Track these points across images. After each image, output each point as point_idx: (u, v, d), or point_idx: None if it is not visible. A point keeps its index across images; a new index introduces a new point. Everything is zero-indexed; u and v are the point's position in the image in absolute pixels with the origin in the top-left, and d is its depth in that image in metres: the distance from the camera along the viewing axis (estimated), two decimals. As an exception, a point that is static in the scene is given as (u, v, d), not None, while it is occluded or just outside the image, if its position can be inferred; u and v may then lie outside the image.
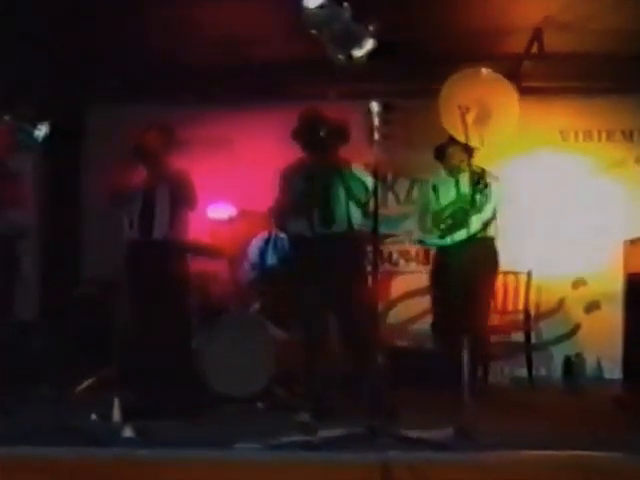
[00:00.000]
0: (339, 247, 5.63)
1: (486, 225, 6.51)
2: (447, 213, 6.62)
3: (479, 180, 6.30)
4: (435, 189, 6.84)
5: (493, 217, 6.60)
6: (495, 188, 6.51)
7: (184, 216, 6.20)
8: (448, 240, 6.58)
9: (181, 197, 6.12)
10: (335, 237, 5.68)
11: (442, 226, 6.63)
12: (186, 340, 6.19)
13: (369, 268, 5.76)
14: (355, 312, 5.56)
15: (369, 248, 5.74)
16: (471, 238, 6.31)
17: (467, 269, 5.98)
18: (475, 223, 6.40)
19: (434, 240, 6.78)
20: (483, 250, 6.44)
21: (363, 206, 5.66)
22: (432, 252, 7.18)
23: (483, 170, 6.39)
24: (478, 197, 6.34)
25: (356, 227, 5.69)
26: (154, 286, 5.93)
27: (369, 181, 5.51)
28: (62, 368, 6.79)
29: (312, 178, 5.72)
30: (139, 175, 6.15)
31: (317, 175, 5.71)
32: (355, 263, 5.67)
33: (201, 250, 6.80)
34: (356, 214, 5.69)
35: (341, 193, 5.70)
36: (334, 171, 5.68)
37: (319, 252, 5.62)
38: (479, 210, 6.37)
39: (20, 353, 6.17)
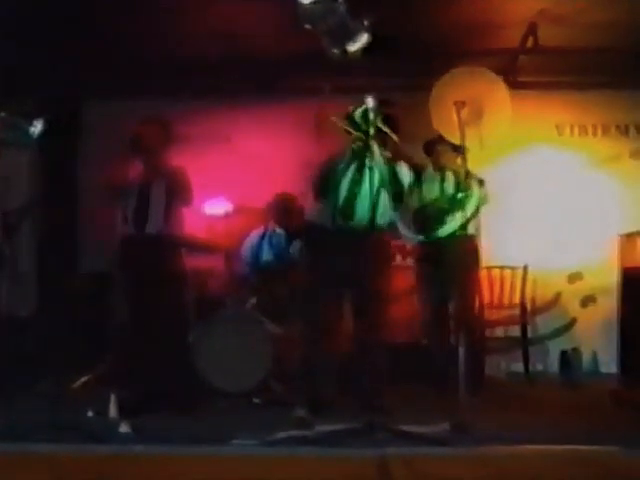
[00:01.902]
0: (357, 242, 5.59)
1: (467, 224, 6.52)
2: (428, 210, 6.67)
3: (463, 181, 6.32)
4: (420, 185, 6.87)
5: (474, 217, 6.63)
6: (479, 190, 6.55)
7: (179, 212, 6.20)
8: (427, 237, 6.63)
9: (178, 193, 6.12)
10: (354, 232, 5.61)
11: (423, 223, 6.67)
12: (182, 335, 6.18)
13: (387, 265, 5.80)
14: (369, 308, 5.57)
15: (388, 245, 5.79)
16: (450, 236, 6.38)
17: (446, 267, 6.02)
18: (455, 222, 6.44)
19: (414, 236, 6.81)
20: (463, 248, 6.46)
21: (399, 199, 5.61)
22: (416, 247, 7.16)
23: (468, 171, 6.40)
24: (460, 197, 6.38)
25: (379, 222, 5.63)
26: (148, 281, 5.92)
27: (407, 178, 5.52)
28: (58, 365, 6.79)
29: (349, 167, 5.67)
30: (135, 169, 6.15)
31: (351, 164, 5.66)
32: (374, 259, 5.64)
33: (197, 246, 6.80)
34: (382, 208, 5.62)
35: (372, 186, 5.63)
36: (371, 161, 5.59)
37: (336, 245, 5.59)
38: (460, 210, 6.39)
39: (17, 350, 6.15)
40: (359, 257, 5.49)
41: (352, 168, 5.60)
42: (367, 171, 5.55)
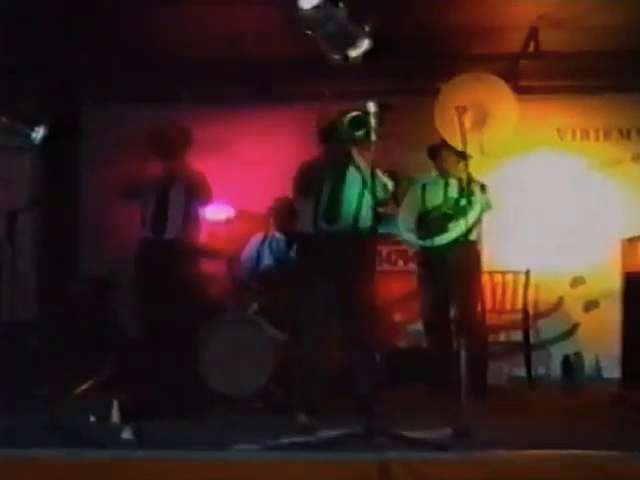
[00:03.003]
0: (343, 246, 5.59)
1: (469, 231, 6.52)
2: (432, 216, 6.66)
3: (467, 187, 6.32)
4: (423, 190, 6.86)
5: (477, 223, 6.62)
6: (481, 196, 6.54)
7: (197, 216, 6.17)
8: (429, 243, 6.62)
9: (197, 191, 6.08)
10: (339, 235, 5.62)
11: (425, 228, 6.67)
12: (188, 341, 6.14)
13: (372, 268, 5.79)
14: (357, 312, 5.55)
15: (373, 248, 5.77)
16: (453, 242, 6.38)
17: (448, 272, 6.02)
18: (458, 229, 6.42)
19: (416, 241, 6.80)
20: (464, 254, 6.46)
21: (382, 204, 5.62)
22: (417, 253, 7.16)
23: (472, 177, 6.40)
24: (464, 203, 6.37)
25: (362, 226, 5.65)
26: (163, 285, 5.88)
27: (390, 184, 5.53)
28: (60, 369, 6.79)
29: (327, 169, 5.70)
30: (153, 170, 6.12)
31: (333, 167, 5.69)
32: (359, 263, 5.64)
33: (210, 251, 6.78)
34: (365, 213, 5.64)
35: (354, 190, 5.67)
36: (354, 167, 5.63)
37: (322, 250, 5.60)
38: (463, 217, 6.38)
39: (18, 353, 6.15)
40: (344, 261, 5.50)
41: (335, 173, 5.64)
42: (350, 176, 5.59)
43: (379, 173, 5.47)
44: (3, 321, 5.90)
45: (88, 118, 8.90)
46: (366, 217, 5.60)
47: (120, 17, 6.86)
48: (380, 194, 5.51)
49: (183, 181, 6.10)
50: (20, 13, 6.52)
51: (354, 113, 5.40)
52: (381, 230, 6.17)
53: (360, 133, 5.38)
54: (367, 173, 5.42)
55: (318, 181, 5.67)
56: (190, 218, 6.12)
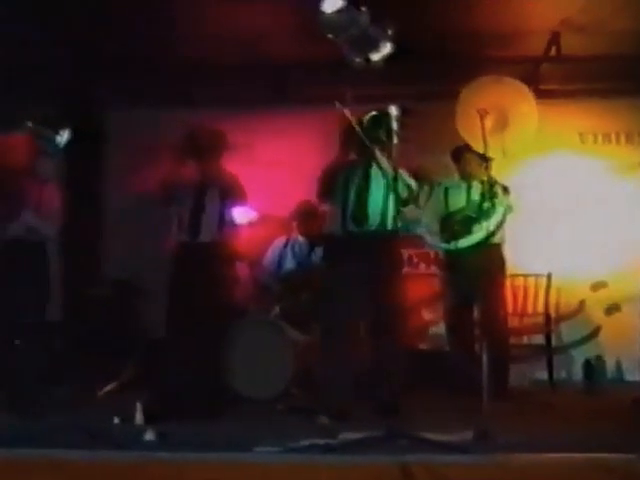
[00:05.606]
0: (369, 247, 5.59)
1: (493, 233, 6.52)
2: (455, 219, 6.67)
3: (490, 189, 6.32)
4: (446, 193, 6.87)
5: (500, 226, 6.62)
6: (504, 198, 6.54)
7: (232, 219, 6.18)
8: (453, 245, 6.63)
9: (232, 193, 6.09)
10: (367, 237, 5.64)
11: (449, 231, 6.68)
12: (216, 343, 6.13)
13: (400, 269, 5.81)
14: (384, 315, 5.56)
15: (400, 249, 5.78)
16: (477, 245, 6.39)
17: (472, 275, 6.02)
18: (481, 231, 6.43)
19: (440, 244, 6.81)
20: (489, 256, 6.47)
21: (406, 204, 5.64)
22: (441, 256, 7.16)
23: (494, 180, 6.40)
24: (487, 206, 6.38)
25: (390, 228, 5.66)
26: (198, 288, 5.89)
27: (413, 184, 5.55)
28: (84, 371, 6.83)
29: (353, 172, 5.72)
30: (188, 173, 6.14)
31: (358, 170, 5.71)
32: (387, 264, 5.65)
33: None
34: (392, 213, 5.64)
35: (379, 191, 5.68)
36: (378, 168, 5.65)
37: (348, 251, 5.61)
38: (487, 219, 6.39)
39: (42, 355, 6.19)
40: (372, 262, 5.51)
41: (359, 174, 5.65)
42: (374, 177, 5.61)
43: (402, 173, 5.50)
44: (28, 323, 5.94)
45: (111, 122, 8.95)
46: (393, 217, 5.62)
47: (140, 21, 6.90)
48: (404, 194, 5.53)
49: (218, 184, 6.12)
50: (41, 17, 6.58)
51: (374, 112, 5.42)
52: (406, 232, 6.18)
53: (381, 132, 5.40)
54: (390, 174, 5.44)
55: (343, 183, 5.69)
56: (225, 221, 6.14)
